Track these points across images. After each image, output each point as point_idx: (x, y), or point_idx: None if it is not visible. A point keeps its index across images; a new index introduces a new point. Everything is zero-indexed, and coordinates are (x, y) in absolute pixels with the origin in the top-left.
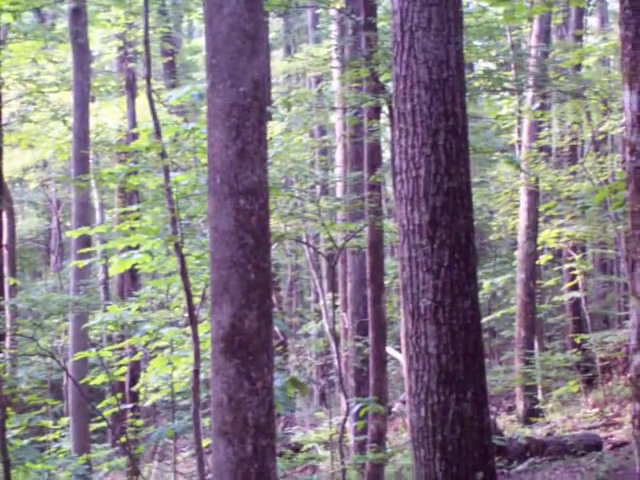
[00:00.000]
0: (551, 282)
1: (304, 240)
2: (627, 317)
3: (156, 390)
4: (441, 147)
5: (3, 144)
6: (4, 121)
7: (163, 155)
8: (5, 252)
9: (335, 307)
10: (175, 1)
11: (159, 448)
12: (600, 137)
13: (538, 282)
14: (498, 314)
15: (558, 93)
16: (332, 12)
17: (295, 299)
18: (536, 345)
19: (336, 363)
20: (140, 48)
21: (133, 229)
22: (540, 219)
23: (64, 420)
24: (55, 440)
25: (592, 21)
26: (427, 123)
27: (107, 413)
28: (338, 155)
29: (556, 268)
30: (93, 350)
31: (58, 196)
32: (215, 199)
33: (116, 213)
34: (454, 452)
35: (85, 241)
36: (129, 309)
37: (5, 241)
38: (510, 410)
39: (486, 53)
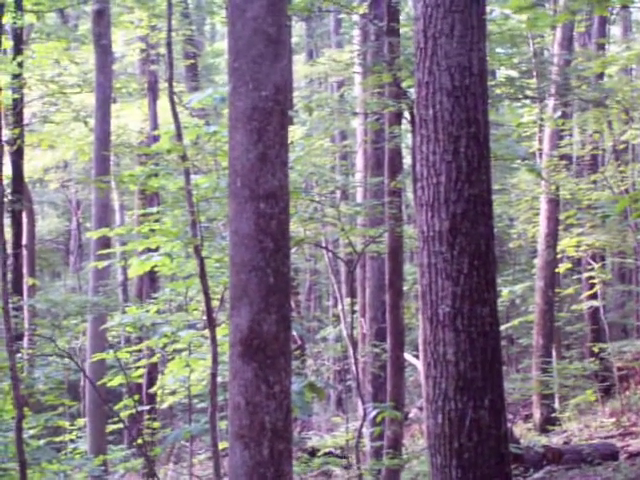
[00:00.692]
0: (570, 290)
1: (323, 245)
2: None
3: (173, 392)
4: (462, 154)
5: (24, 144)
6: (26, 121)
7: (184, 158)
8: (25, 252)
9: (353, 312)
10: (198, 4)
11: (175, 450)
12: (621, 146)
13: (557, 290)
14: (516, 322)
15: (580, 101)
16: (355, 17)
17: (313, 304)
18: (554, 353)
19: (353, 368)
20: (162, 50)
21: (153, 231)
22: (560, 227)
23: (81, 421)
24: (71, 441)
25: (615, 30)
26: (449, 130)
27: (124, 414)
28: (359, 160)
29: (575, 277)
30: (111, 351)
31: (78, 197)
32: (235, 202)
33: (136, 215)
34: (471, 459)
35: (105, 242)
36: (147, 311)
37: (25, 241)
38: (527, 418)
39: (508, 61)
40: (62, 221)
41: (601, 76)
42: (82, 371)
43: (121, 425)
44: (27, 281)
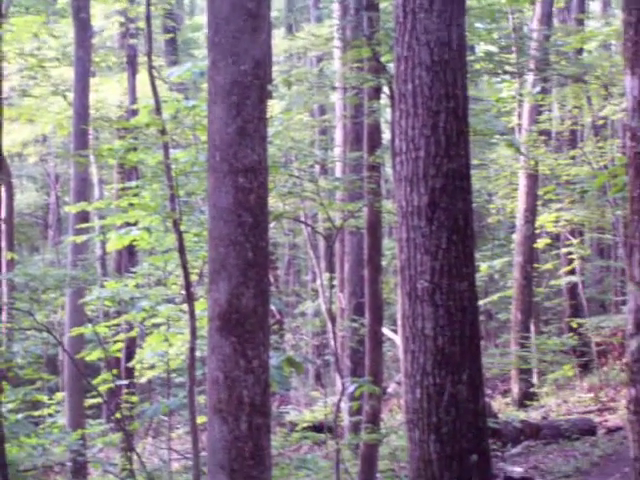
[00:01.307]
0: (548, 266)
1: (302, 219)
2: (624, 302)
3: (152, 367)
4: (441, 129)
5: (3, 118)
6: (4, 95)
7: (163, 132)
8: (3, 226)
9: (332, 287)
10: None
11: (154, 425)
12: (600, 122)
13: (535, 266)
14: (495, 297)
15: (559, 77)
16: None
17: (292, 278)
18: (532, 328)
19: (332, 343)
20: (142, 24)
21: (132, 205)
22: (539, 203)
23: (59, 395)
24: (50, 415)
25: (594, 5)
26: (428, 104)
27: (102, 389)
28: (338, 135)
29: (554, 252)
30: (89, 326)
31: (57, 171)
32: (214, 177)
33: (115, 189)
34: (449, 434)
35: (83, 216)
36: (126, 285)
37: (3, 215)
38: (505, 393)
39: (488, 36)
40: (41, 195)
41: (580, 52)
42: (60, 345)
43: (99, 399)
44: (6, 255)
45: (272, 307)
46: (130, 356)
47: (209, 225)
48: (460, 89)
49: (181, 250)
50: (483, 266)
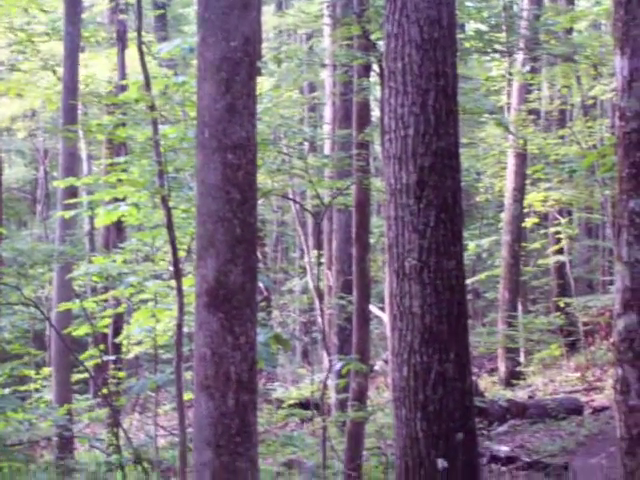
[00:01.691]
0: (536, 245)
1: (291, 196)
2: (611, 282)
3: (139, 342)
4: (430, 107)
5: None
6: None
7: (152, 108)
8: None
9: (320, 264)
10: None
11: (140, 400)
12: (589, 101)
13: (523, 245)
14: (483, 276)
15: (549, 56)
16: None
17: (280, 255)
18: (520, 308)
19: (319, 320)
20: (131, 0)
21: (120, 181)
22: (527, 182)
23: (46, 370)
24: (36, 390)
25: None
26: (417, 82)
27: (89, 364)
28: (327, 112)
29: (542, 231)
30: (77, 301)
31: (46, 146)
32: (203, 153)
33: (103, 165)
34: (435, 412)
35: (72, 192)
36: (114, 261)
37: None
38: (492, 372)
39: (478, 14)
40: (29, 170)
41: (570, 31)
42: (48, 320)
43: (86, 375)
44: None
45: (260, 284)
46: (117, 332)
47: (197, 201)
48: (450, 67)
49: (169, 226)
50: (471, 245)
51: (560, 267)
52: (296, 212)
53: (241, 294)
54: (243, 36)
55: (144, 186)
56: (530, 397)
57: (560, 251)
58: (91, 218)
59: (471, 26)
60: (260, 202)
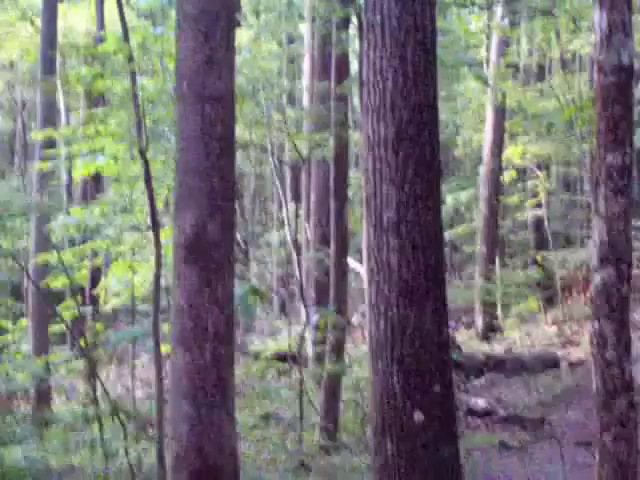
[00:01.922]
0: (514, 199)
1: (269, 149)
2: (589, 236)
3: (116, 295)
4: (409, 60)
5: None
6: None
7: (130, 59)
8: None
9: (298, 217)
10: None
11: (118, 352)
12: (568, 55)
13: (501, 199)
14: (460, 229)
15: (528, 10)
16: None
17: (258, 208)
18: (497, 261)
19: (297, 273)
20: None
21: (98, 133)
22: (506, 136)
23: (23, 322)
24: (13, 342)
25: None
26: (395, 35)
27: (66, 316)
28: (306, 65)
29: (520, 185)
30: (54, 253)
31: (24, 97)
32: (181, 105)
33: (82, 116)
34: (412, 365)
35: (50, 143)
36: (92, 213)
37: None
38: (469, 326)
39: None
40: (7, 121)
41: None
42: (25, 272)
43: (64, 327)
44: None
45: (238, 237)
46: (95, 284)
47: (176, 153)
48: (428, 20)
49: (147, 178)
50: (449, 198)
51: (538, 221)
52: (274, 165)
53: (219, 247)
54: None
55: (122, 138)
56: (507, 351)
57: (538, 205)
58: (69, 170)
59: None
60: (238, 155)
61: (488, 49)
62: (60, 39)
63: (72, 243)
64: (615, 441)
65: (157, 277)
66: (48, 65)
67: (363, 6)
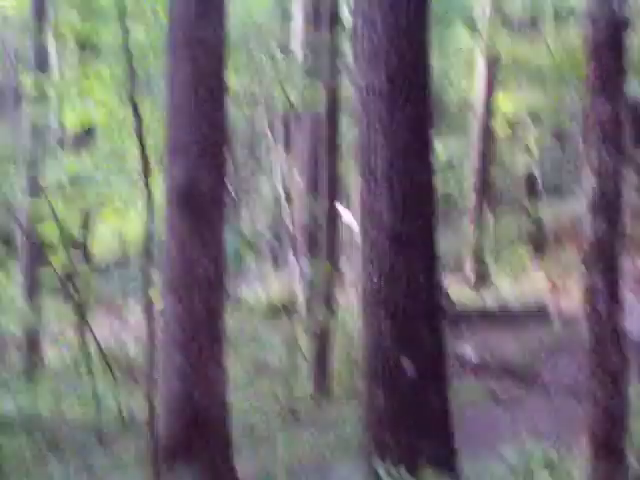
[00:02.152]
0: (505, 150)
1: (260, 97)
2: (580, 187)
3: (107, 244)
4: (400, 8)
5: None
6: None
7: (122, 6)
8: None
9: (289, 166)
10: None
11: (108, 301)
12: (561, 6)
13: (492, 149)
14: (451, 179)
15: None
16: None
17: (249, 157)
18: (488, 212)
19: (288, 222)
20: None
21: (89, 80)
22: (497, 86)
23: (14, 269)
24: (5, 289)
25: None
26: None
27: (57, 263)
28: (297, 14)
29: (511, 136)
30: (46, 201)
31: (16, 45)
32: (172, 53)
33: (73, 64)
34: (403, 315)
35: (41, 91)
36: (83, 162)
37: None
38: (459, 276)
39: None
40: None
41: None
42: (17, 220)
43: (54, 274)
44: None
45: (228, 185)
46: (86, 233)
47: (166, 101)
48: None
49: (138, 127)
50: (439, 148)
51: (529, 172)
52: (265, 113)
53: (209, 195)
54: None
55: (114, 86)
56: (497, 301)
57: (529, 156)
58: (60, 119)
59: None
60: (229, 103)
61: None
62: None
63: (63, 192)
64: (605, 392)
65: (148, 226)
66: (40, 13)
67: None
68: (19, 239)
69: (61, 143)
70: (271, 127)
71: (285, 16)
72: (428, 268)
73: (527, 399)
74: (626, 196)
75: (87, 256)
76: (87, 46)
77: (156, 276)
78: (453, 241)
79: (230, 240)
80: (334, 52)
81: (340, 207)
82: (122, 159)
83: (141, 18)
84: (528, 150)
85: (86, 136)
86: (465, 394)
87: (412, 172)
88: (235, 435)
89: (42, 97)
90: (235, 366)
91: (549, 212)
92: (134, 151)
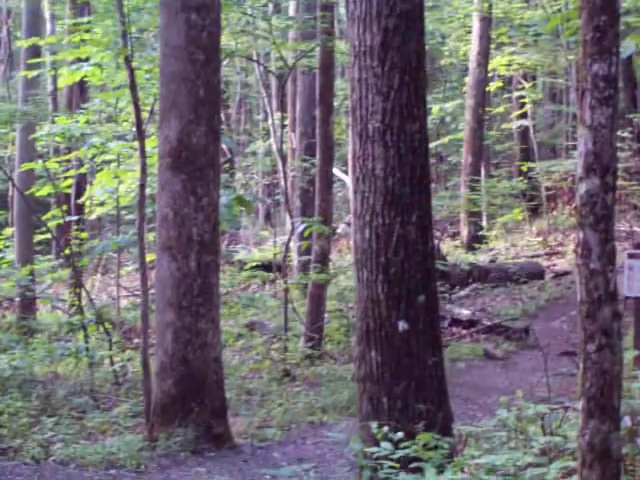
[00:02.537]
0: (500, 109)
1: (255, 58)
2: (574, 147)
3: (102, 204)
4: None
5: None
6: None
7: None
8: None
9: (283, 127)
10: None
11: (103, 261)
12: None
13: (487, 109)
14: (446, 139)
15: None
16: None
17: (244, 117)
18: (483, 172)
19: (282, 183)
20: None
21: (83, 41)
22: (492, 46)
23: (8, 231)
24: None
25: None
26: None
27: (51, 225)
28: None
29: (506, 96)
30: (40, 161)
31: (8, 5)
32: (167, 13)
33: (67, 24)
34: (397, 274)
35: (35, 51)
36: (77, 121)
37: None
38: (454, 236)
39: None
40: None
41: None
42: (10, 180)
43: (49, 235)
44: None
45: (223, 145)
46: (80, 193)
47: (160, 62)
48: None
49: (132, 87)
50: (435, 108)
51: (524, 132)
52: (260, 74)
53: (204, 156)
54: None
55: (107, 46)
56: (492, 261)
57: (524, 115)
58: (54, 78)
59: None
60: (224, 64)
61: None
62: None
63: (57, 152)
64: (599, 351)
65: (142, 186)
66: None
67: None
68: (14, 200)
69: (55, 103)
70: (266, 87)
71: None
72: (422, 227)
73: (520, 357)
74: (619, 155)
75: (81, 216)
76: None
77: (151, 236)
78: (447, 201)
79: (224, 199)
80: (329, 12)
81: (335, 169)
82: (116, 118)
83: None
84: (522, 109)
85: (80, 96)
86: (459, 352)
87: (406, 131)
88: (229, 394)
89: (36, 57)
90: (229, 325)
91: (543, 171)
92: (128, 110)
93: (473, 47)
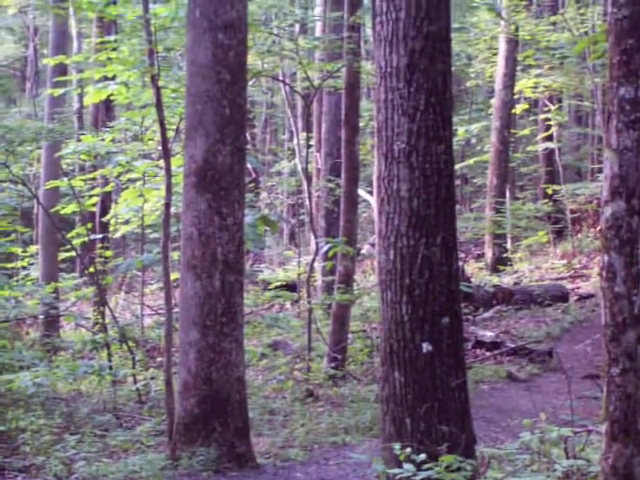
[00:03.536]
0: (526, 132)
1: (281, 78)
2: (600, 170)
3: (126, 222)
4: None
5: None
6: None
7: None
8: None
9: (309, 147)
10: None
11: (127, 280)
12: None
13: (513, 131)
14: (471, 161)
15: None
16: None
17: (269, 137)
18: (508, 194)
19: (307, 203)
20: None
21: (110, 59)
22: (518, 68)
23: (33, 248)
24: (23, 267)
25: None
26: None
27: (76, 242)
28: None
29: (531, 118)
30: (65, 179)
31: (36, 23)
32: (194, 33)
33: (94, 43)
34: (421, 296)
35: (61, 69)
36: (103, 140)
37: None
38: (479, 258)
39: None
40: (19, 47)
41: None
42: (36, 198)
43: (73, 253)
44: None
45: (248, 165)
46: (105, 211)
47: (187, 81)
48: None
49: (158, 105)
50: (460, 130)
51: (549, 154)
52: (286, 94)
53: (229, 175)
54: None
55: (134, 65)
56: (516, 283)
57: (549, 138)
58: (80, 96)
59: None
60: (250, 83)
61: None
62: None
63: (83, 170)
64: (623, 374)
65: (167, 204)
66: None
67: None
68: (38, 217)
69: (81, 121)
70: (292, 107)
71: None
72: (447, 249)
73: (544, 380)
74: None
75: (106, 234)
76: (107, 23)
77: (175, 255)
78: (472, 222)
79: (249, 219)
80: (355, 33)
81: (360, 189)
82: (142, 137)
83: None
84: (548, 131)
85: (106, 114)
86: (483, 374)
87: (432, 153)
88: (252, 414)
89: (62, 75)
90: (252, 345)
91: (568, 194)
92: (154, 128)
93: (499, 69)
